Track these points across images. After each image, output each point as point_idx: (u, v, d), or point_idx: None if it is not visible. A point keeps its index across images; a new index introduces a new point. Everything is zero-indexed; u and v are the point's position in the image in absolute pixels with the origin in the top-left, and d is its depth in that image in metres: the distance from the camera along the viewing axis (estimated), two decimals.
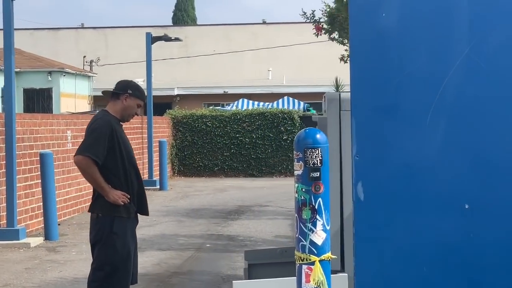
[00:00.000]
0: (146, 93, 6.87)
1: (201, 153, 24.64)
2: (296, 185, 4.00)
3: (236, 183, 22.58)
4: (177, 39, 21.97)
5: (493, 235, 3.46)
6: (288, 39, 38.11)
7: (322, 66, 37.86)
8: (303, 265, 3.98)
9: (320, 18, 13.00)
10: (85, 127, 6.50)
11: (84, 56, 37.88)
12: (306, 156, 3.91)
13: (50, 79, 30.03)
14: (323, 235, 3.95)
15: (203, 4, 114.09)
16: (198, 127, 24.59)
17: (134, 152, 6.74)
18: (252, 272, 5.59)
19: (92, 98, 33.53)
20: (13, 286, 9.11)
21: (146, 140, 21.03)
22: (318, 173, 3.92)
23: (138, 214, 6.52)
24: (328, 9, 12.75)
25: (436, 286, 3.49)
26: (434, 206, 3.43)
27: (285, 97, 29.16)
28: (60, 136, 14.53)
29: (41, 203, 12.54)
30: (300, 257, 3.99)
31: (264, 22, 43.71)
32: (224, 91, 36.33)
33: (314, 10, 12.91)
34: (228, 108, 28.34)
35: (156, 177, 20.95)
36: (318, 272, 3.98)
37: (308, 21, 13.05)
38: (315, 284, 3.82)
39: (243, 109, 26.06)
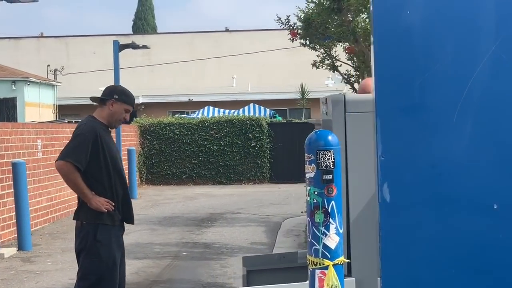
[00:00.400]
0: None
1: (169, 161, 24.46)
2: (308, 188, 3.92)
3: (205, 190, 22.45)
4: (145, 47, 21.83)
5: None
6: (251, 46, 38.09)
7: (286, 73, 37.97)
8: (316, 270, 3.90)
9: (295, 24, 12.97)
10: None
11: (48, 65, 37.44)
12: (318, 158, 3.84)
13: (14, 88, 29.56)
14: (337, 238, 3.87)
15: (164, 12, 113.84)
16: (165, 135, 24.40)
17: None
18: (250, 278, 5.50)
19: (57, 107, 33.14)
20: None
21: None
22: (331, 176, 3.85)
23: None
24: (302, 15, 12.72)
25: None
26: (462, 207, 3.37)
27: (251, 104, 29.05)
28: (30, 145, 14.29)
29: (14, 213, 12.30)
30: (313, 262, 3.90)
31: (227, 30, 43.62)
32: (189, 99, 36.15)
33: (289, 16, 12.90)
34: (193, 116, 28.19)
35: None
36: (332, 276, 3.90)
37: (283, 26, 13.01)
38: None
39: (210, 117, 25.93)
